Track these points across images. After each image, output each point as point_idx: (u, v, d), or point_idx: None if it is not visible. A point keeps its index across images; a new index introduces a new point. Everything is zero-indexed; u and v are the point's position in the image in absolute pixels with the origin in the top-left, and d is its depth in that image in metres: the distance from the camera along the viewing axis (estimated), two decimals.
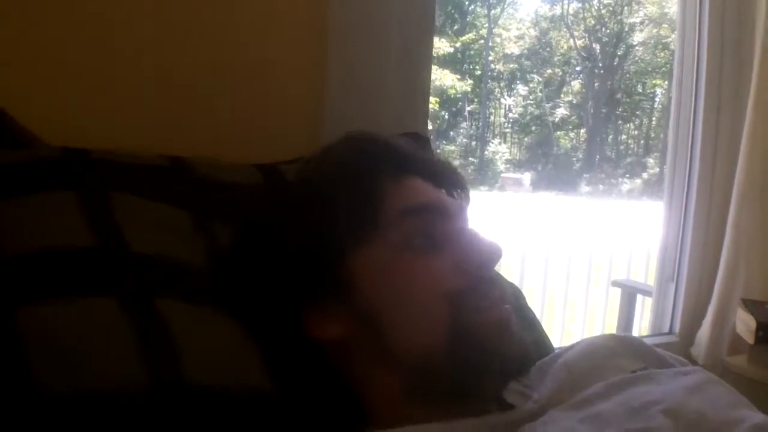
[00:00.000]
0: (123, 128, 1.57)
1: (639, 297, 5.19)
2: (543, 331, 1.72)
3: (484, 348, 1.09)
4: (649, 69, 25.27)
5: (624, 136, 27.83)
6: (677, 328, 3.09)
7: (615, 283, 5.63)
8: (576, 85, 27.35)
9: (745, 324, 2.67)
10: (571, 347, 1.34)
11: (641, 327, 5.33)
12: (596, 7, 25.56)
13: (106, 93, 1.61)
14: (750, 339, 2.62)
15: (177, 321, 1.10)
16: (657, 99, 26.42)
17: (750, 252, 2.90)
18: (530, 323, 1.68)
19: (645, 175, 25.64)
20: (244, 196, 1.45)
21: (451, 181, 1.30)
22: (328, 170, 1.23)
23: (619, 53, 25.49)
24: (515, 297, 1.69)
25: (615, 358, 1.25)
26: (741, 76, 2.98)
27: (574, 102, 27.03)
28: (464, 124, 26.39)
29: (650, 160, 26.16)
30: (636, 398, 1.09)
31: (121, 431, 0.96)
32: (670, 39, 23.34)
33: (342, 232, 1.15)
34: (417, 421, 1.07)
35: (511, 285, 1.73)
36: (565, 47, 26.48)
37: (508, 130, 27.96)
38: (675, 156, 3.09)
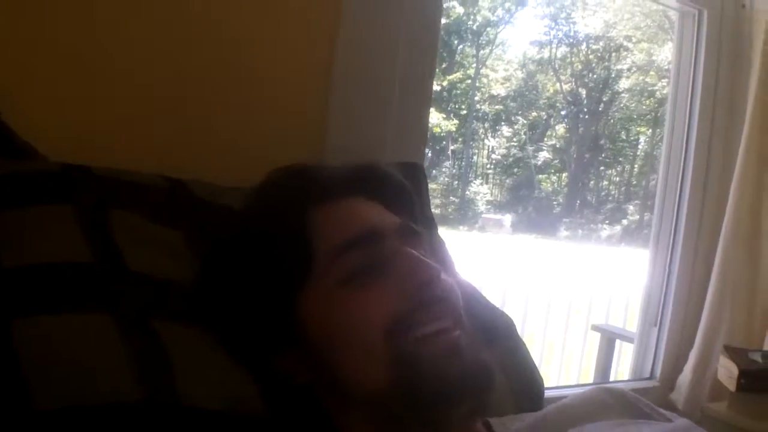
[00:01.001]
0: (123, 142, 1.57)
1: (617, 342, 5.21)
2: (533, 363, 1.69)
3: (433, 379, 1.07)
4: (634, 116, 25.35)
5: (605, 182, 27.86)
6: (658, 373, 3.10)
7: (595, 328, 5.65)
8: (560, 129, 27.42)
9: (727, 371, 2.68)
10: (563, 398, 1.33)
11: (617, 372, 5.34)
12: (584, 52, 25.64)
13: (107, 109, 1.61)
14: (731, 386, 2.62)
15: (172, 341, 1.11)
16: (640, 146, 26.50)
17: (734, 300, 2.93)
18: (519, 355, 1.67)
19: (625, 222, 25.67)
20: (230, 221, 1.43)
21: (392, 195, 1.30)
22: (259, 216, 1.24)
23: (604, 99, 25.57)
24: (505, 329, 1.68)
25: (607, 411, 1.24)
26: (732, 127, 3.03)
27: (558, 146, 27.08)
28: (447, 163, 26.37)
29: (631, 207, 26.20)
30: None
31: None
32: (656, 87, 23.50)
33: (280, 279, 1.15)
34: None
35: (503, 315, 1.72)
36: (552, 91, 26.56)
37: (490, 171, 27.97)
38: (663, 202, 3.12)
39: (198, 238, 1.35)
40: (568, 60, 26.11)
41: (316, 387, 1.18)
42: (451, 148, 26.65)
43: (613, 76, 25.03)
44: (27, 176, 1.25)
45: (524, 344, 1.71)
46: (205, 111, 1.71)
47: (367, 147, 1.91)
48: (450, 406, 1.09)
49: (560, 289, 6.66)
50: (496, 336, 1.61)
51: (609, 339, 5.29)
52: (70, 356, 1.00)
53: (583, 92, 26.01)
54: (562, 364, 6.05)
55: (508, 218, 25.68)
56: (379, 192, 1.28)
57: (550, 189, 27.53)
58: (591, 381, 5.68)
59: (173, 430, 1.02)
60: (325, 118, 1.86)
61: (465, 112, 26.83)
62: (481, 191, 27.02)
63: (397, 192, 1.33)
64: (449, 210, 24.87)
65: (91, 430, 0.95)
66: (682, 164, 3.05)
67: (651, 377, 3.13)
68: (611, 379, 5.20)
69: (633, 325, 5.70)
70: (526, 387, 1.60)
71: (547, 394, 1.66)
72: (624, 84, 24.86)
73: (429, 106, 2.12)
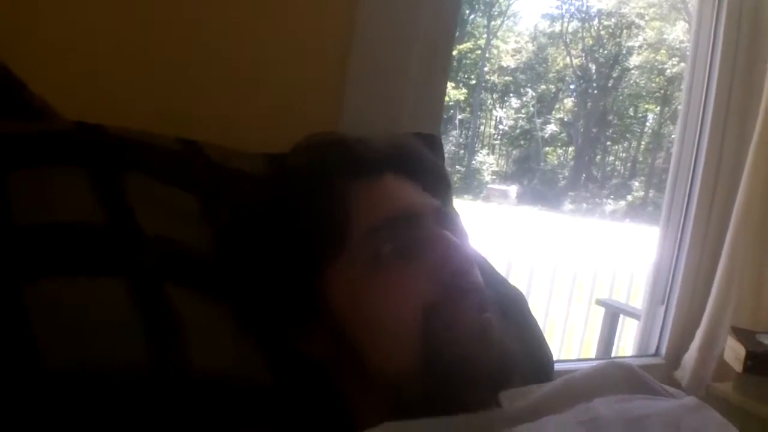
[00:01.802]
0: (138, 114, 1.56)
1: (621, 317, 5.21)
2: (543, 340, 1.68)
3: (460, 364, 1.07)
4: (643, 93, 25.26)
5: (611, 158, 27.81)
6: (663, 350, 3.10)
7: (599, 302, 5.65)
8: (568, 103, 27.35)
9: (733, 352, 2.68)
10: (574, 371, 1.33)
11: (619, 347, 5.34)
12: (596, 28, 25.55)
13: (124, 75, 1.61)
14: (738, 367, 2.63)
15: (184, 307, 1.11)
16: (647, 123, 26.44)
17: (742, 280, 2.93)
18: (530, 331, 1.65)
19: (629, 198, 25.65)
20: (245, 186, 1.43)
21: (429, 177, 1.29)
22: (293, 186, 1.22)
23: (614, 75, 25.49)
24: (516, 303, 1.66)
25: (615, 385, 1.24)
26: (748, 108, 3.01)
27: (565, 120, 27.02)
28: (454, 132, 26.30)
29: (636, 183, 26.18)
30: (636, 410, 1.08)
31: (121, 409, 0.97)
32: (666, 65, 23.42)
33: (310, 251, 1.14)
34: None
35: (514, 289, 1.71)
36: (561, 64, 26.47)
37: (497, 141, 27.92)
38: (675, 180, 3.11)
39: (212, 202, 1.34)
40: (580, 35, 26.01)
41: (331, 363, 1.17)
42: (459, 117, 26.60)
43: (623, 52, 24.93)
44: (41, 136, 1.24)
45: (535, 319, 1.70)
46: (219, 74, 1.70)
47: (383, 116, 1.90)
48: (468, 390, 1.09)
49: (564, 262, 6.64)
50: (507, 310, 1.61)
51: (613, 314, 5.30)
52: (81, 319, 1.00)
53: (593, 67, 25.92)
54: (564, 338, 6.05)
55: (513, 189, 25.65)
56: (418, 173, 1.27)
57: (556, 162, 27.49)
58: (593, 356, 5.68)
59: (181, 396, 1.02)
60: (342, 86, 1.85)
61: (474, 82, 26.77)
62: (487, 161, 27.00)
63: (436, 175, 1.32)
64: (455, 179, 24.76)
65: (99, 392, 0.96)
66: (696, 143, 3.04)
67: (656, 354, 3.13)
68: (613, 354, 5.21)
69: (636, 301, 5.73)
70: (535, 362, 1.60)
71: (556, 368, 1.66)
72: (634, 61, 24.78)
73: (447, 77, 2.11)
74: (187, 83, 1.67)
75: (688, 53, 3.19)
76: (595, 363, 1.36)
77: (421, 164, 1.30)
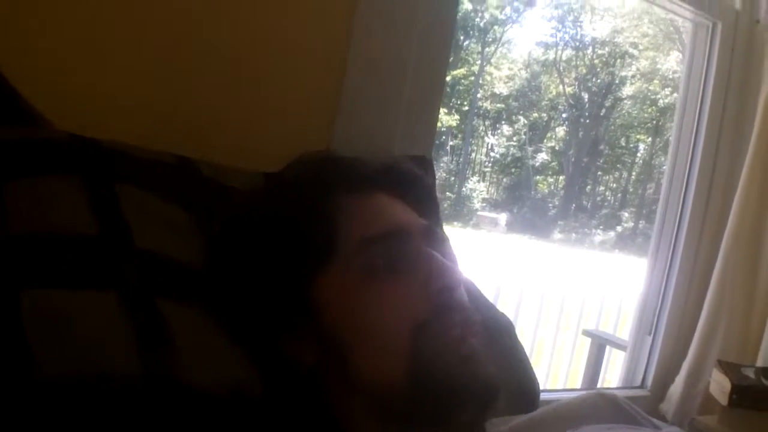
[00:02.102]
0: (134, 124, 1.56)
1: (607, 348, 5.21)
2: (530, 367, 1.68)
3: (445, 382, 1.07)
4: (635, 123, 25.38)
5: (602, 188, 27.93)
6: (649, 382, 3.09)
7: (586, 333, 5.65)
8: (560, 131, 27.47)
9: (719, 385, 2.68)
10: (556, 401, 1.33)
11: (605, 378, 5.34)
12: (589, 56, 25.68)
13: (119, 85, 1.60)
14: (723, 400, 2.62)
15: (174, 319, 1.11)
16: (639, 154, 26.54)
17: (730, 313, 2.93)
18: (517, 358, 1.65)
19: (619, 228, 25.73)
20: (236, 198, 1.43)
21: (419, 197, 1.30)
22: (287, 195, 1.24)
23: (606, 104, 25.61)
24: (504, 330, 1.66)
25: (598, 415, 1.23)
26: (738, 141, 3.04)
27: (557, 148, 27.13)
28: (445, 158, 26.38)
29: (626, 214, 26.27)
30: None
31: (113, 419, 0.97)
32: (659, 95, 23.51)
33: (303, 259, 1.15)
34: None
35: (503, 315, 1.71)
36: (554, 93, 26.60)
37: (488, 169, 28.02)
38: (665, 211, 3.12)
39: (205, 218, 1.34)
40: (573, 63, 26.15)
41: (322, 372, 1.16)
42: (451, 143, 26.69)
43: (616, 82, 25.08)
44: (36, 144, 1.24)
45: (522, 346, 1.70)
46: (212, 94, 1.70)
47: (376, 139, 1.90)
48: (456, 410, 1.08)
49: (552, 290, 6.65)
50: (495, 335, 1.61)
51: (600, 345, 5.29)
52: (75, 329, 1.00)
53: (586, 96, 26.05)
54: (551, 366, 6.04)
55: (503, 217, 25.72)
56: (408, 193, 1.28)
57: (547, 191, 27.59)
58: (579, 386, 5.68)
59: (172, 407, 1.02)
60: (336, 107, 1.85)
61: (467, 108, 26.86)
62: (477, 188, 27.09)
63: (425, 195, 1.33)
64: (445, 205, 24.83)
65: (91, 401, 0.96)
66: (686, 175, 3.05)
67: (642, 386, 3.13)
68: (599, 385, 5.20)
69: (623, 332, 5.72)
70: (521, 388, 1.59)
71: (542, 397, 1.65)
72: (627, 90, 24.91)
73: (440, 100, 2.12)
74: (182, 94, 1.67)
75: (680, 84, 3.21)
76: (580, 393, 1.36)
77: (412, 184, 1.30)
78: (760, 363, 2.87)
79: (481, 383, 1.09)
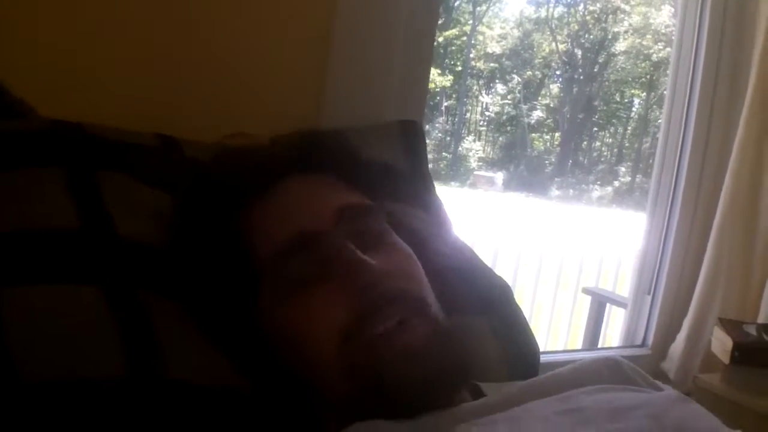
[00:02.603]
0: (119, 104, 1.54)
1: (608, 306, 5.21)
2: (530, 332, 1.67)
3: (394, 382, 1.03)
4: (629, 78, 25.30)
5: (598, 144, 27.87)
6: (650, 341, 3.10)
7: (586, 291, 5.65)
8: (554, 88, 27.37)
9: (720, 343, 2.68)
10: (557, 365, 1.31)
11: (606, 335, 5.34)
12: (581, 13, 25.57)
13: (102, 67, 1.59)
14: (725, 359, 2.62)
15: (158, 315, 1.10)
16: (634, 109, 26.50)
17: (729, 271, 2.93)
18: (516, 323, 1.63)
19: (616, 183, 25.69)
20: None
21: (335, 165, 1.26)
22: (196, 227, 1.21)
23: (600, 60, 25.50)
24: (502, 295, 1.65)
25: (597, 379, 1.22)
26: (734, 96, 3.03)
27: (551, 105, 27.03)
28: (440, 119, 26.34)
29: (622, 169, 26.23)
30: (619, 400, 1.07)
31: (98, 419, 0.95)
32: (652, 50, 23.43)
33: (231, 293, 1.14)
34: None
35: (500, 280, 1.69)
36: (547, 50, 26.47)
37: (483, 128, 27.94)
38: (661, 169, 3.12)
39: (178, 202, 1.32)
40: (565, 20, 26.01)
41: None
42: (445, 104, 26.63)
43: (609, 37, 24.95)
44: (17, 135, 1.23)
45: (521, 311, 1.68)
46: (198, 62, 1.69)
47: (366, 104, 1.88)
48: (419, 405, 1.05)
49: (551, 249, 6.65)
50: (492, 302, 1.60)
51: (599, 303, 5.29)
52: (56, 329, 0.99)
53: (579, 53, 25.93)
54: (551, 326, 6.05)
55: (499, 176, 25.70)
56: (321, 166, 1.24)
57: (543, 148, 27.53)
58: (580, 345, 5.68)
59: (158, 404, 1.00)
60: (324, 73, 1.83)
61: (460, 68, 26.78)
62: (473, 148, 27.02)
63: (343, 161, 1.29)
64: (441, 166, 24.83)
65: (76, 403, 0.94)
66: (682, 131, 3.04)
67: (643, 345, 3.14)
68: (600, 343, 5.20)
69: (623, 289, 5.72)
70: (521, 355, 1.58)
71: (543, 360, 1.64)
72: (620, 46, 24.79)
73: (430, 64, 2.12)
74: (166, 72, 1.66)
75: (673, 38, 3.19)
76: (585, 355, 1.36)
77: (323, 157, 1.26)
78: (761, 320, 2.86)
79: (436, 371, 1.06)
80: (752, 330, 2.71)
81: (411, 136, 1.81)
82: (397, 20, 1.92)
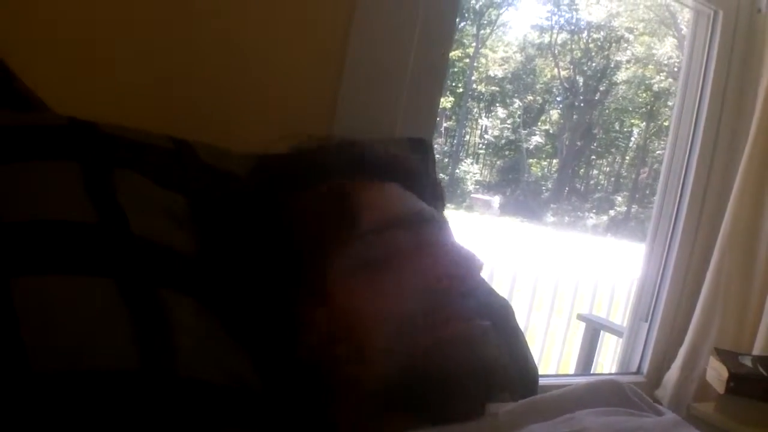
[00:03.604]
0: (130, 107, 1.55)
1: (601, 333, 5.22)
2: (529, 352, 1.70)
3: (444, 371, 1.08)
4: (629, 108, 25.33)
5: (595, 171, 27.87)
6: (645, 368, 3.11)
7: (580, 317, 5.66)
8: (554, 114, 27.38)
9: (716, 373, 2.69)
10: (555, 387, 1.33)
11: (598, 363, 5.35)
12: (584, 40, 25.59)
13: (115, 68, 1.60)
14: (720, 388, 2.64)
15: (172, 309, 1.10)
16: (633, 138, 26.51)
17: (727, 301, 2.95)
18: (517, 342, 1.65)
19: (612, 212, 25.69)
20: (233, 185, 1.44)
21: (426, 188, 1.34)
22: (302, 173, 1.27)
23: (601, 88, 25.52)
24: (504, 314, 1.66)
25: (598, 401, 1.23)
26: (738, 129, 3.07)
27: (551, 131, 27.04)
28: (439, 140, 26.32)
29: (619, 198, 26.23)
30: (622, 423, 1.08)
31: (109, 411, 0.95)
32: (653, 80, 23.46)
33: (317, 239, 1.17)
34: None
35: (502, 299, 1.70)
36: (549, 76, 26.50)
37: (482, 151, 27.94)
38: (663, 196, 3.13)
39: (200, 203, 1.34)
40: (568, 47, 26.03)
41: (325, 349, 1.16)
42: (445, 125, 26.59)
43: (611, 66, 24.99)
44: (33, 129, 1.23)
45: (521, 331, 1.71)
46: (213, 74, 1.70)
47: (378, 120, 1.90)
48: (454, 396, 1.09)
49: (546, 274, 6.66)
50: (495, 319, 1.61)
51: (594, 329, 5.30)
52: (70, 319, 0.99)
53: (581, 80, 25.96)
54: (544, 351, 6.06)
55: (496, 199, 25.68)
56: (414, 184, 1.31)
57: (540, 174, 27.53)
58: (572, 371, 5.69)
59: (169, 399, 1.00)
60: (337, 88, 1.85)
61: (461, 90, 26.79)
62: (471, 171, 27.01)
63: (430, 188, 1.37)
64: None
65: (87, 395, 0.94)
66: (685, 162, 3.07)
67: (638, 372, 3.16)
68: (593, 370, 5.21)
69: (616, 316, 5.74)
70: (522, 374, 1.59)
71: (541, 382, 1.65)
72: (622, 75, 24.82)
73: (443, 84, 2.13)
74: (181, 81, 1.67)
75: (676, 69, 3.23)
76: (582, 379, 1.37)
77: (416, 176, 1.33)
78: (756, 351, 2.87)
79: (482, 371, 1.11)
80: (747, 361, 2.72)
81: (421, 154, 1.82)
82: (412, 37, 1.94)
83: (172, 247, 1.21)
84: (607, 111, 26.15)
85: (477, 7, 25.75)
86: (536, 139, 26.91)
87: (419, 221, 1.21)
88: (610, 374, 3.75)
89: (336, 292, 1.15)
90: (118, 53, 1.59)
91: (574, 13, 25.76)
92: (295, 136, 1.35)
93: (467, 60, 26.24)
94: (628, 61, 24.50)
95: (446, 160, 26.65)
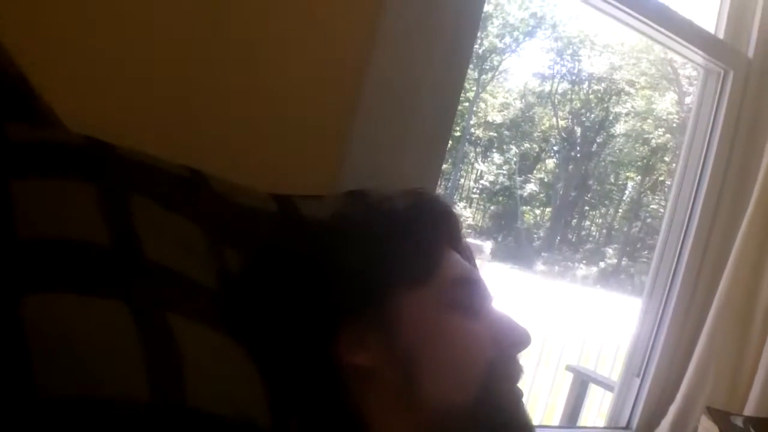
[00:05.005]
0: (142, 140, 1.55)
1: (589, 385, 5.21)
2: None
3: (503, 415, 1.20)
4: (626, 161, 25.42)
5: (587, 222, 27.94)
6: (635, 424, 3.10)
7: (569, 368, 5.65)
8: (550, 163, 27.47)
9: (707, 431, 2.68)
10: None
11: (583, 416, 5.34)
12: (585, 91, 25.71)
13: (130, 97, 1.60)
14: None
15: (186, 339, 1.08)
16: (627, 192, 26.57)
17: (720, 361, 2.94)
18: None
19: (602, 264, 25.72)
20: (262, 223, 1.48)
21: (472, 259, 1.47)
22: (401, 213, 1.33)
23: (598, 140, 25.62)
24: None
25: None
26: (741, 191, 3.04)
27: (546, 180, 27.12)
28: None
29: (610, 250, 26.27)
30: None
31: None
32: (652, 135, 23.53)
33: (400, 270, 1.23)
34: None
35: None
36: (547, 125, 26.59)
37: (476, 195, 27.98)
38: (662, 255, 3.13)
39: (216, 235, 1.35)
40: (568, 96, 26.15)
41: (375, 376, 1.21)
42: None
43: (610, 118, 25.09)
44: (52, 146, 1.22)
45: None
46: (221, 109, 1.69)
47: (386, 171, 1.90)
48: None
49: (534, 324, 6.65)
50: None
51: (582, 381, 5.29)
52: (80, 340, 0.97)
53: (579, 131, 26.05)
54: (529, 401, 6.04)
55: (488, 245, 25.69)
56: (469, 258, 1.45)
57: (533, 222, 27.58)
58: (557, 422, 5.67)
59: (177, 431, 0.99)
60: (348, 133, 1.85)
61: (459, 133, 26.86)
62: (464, 215, 27.03)
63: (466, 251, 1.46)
64: None
65: (94, 423, 0.92)
66: (686, 220, 3.07)
67: (627, 427, 3.14)
68: (579, 422, 5.20)
69: (604, 369, 5.73)
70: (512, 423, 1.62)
71: None
72: (620, 128, 24.93)
73: (449, 136, 2.17)
74: (192, 115, 1.66)
75: (674, 124, 3.24)
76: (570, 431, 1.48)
77: (468, 249, 1.47)
78: (748, 412, 2.87)
79: (522, 426, 1.25)
80: (739, 422, 2.71)
81: None
82: (425, 93, 1.95)
83: (187, 275, 1.21)
84: (603, 163, 26.25)
85: (480, 51, 25.84)
86: (531, 187, 26.97)
87: (480, 285, 1.33)
88: (594, 428, 3.74)
89: (405, 319, 1.22)
90: (124, 76, 1.58)
91: (576, 63, 25.90)
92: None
93: (467, 104, 26.31)
94: (627, 114, 24.62)
95: None
